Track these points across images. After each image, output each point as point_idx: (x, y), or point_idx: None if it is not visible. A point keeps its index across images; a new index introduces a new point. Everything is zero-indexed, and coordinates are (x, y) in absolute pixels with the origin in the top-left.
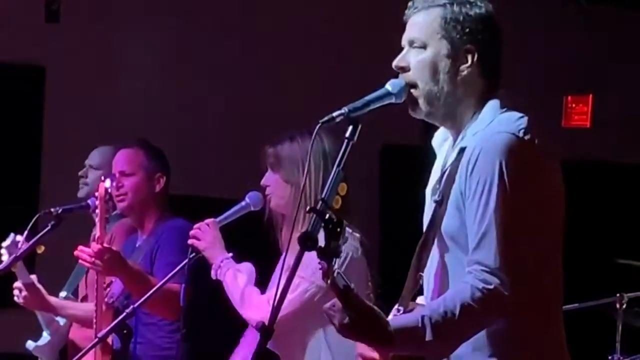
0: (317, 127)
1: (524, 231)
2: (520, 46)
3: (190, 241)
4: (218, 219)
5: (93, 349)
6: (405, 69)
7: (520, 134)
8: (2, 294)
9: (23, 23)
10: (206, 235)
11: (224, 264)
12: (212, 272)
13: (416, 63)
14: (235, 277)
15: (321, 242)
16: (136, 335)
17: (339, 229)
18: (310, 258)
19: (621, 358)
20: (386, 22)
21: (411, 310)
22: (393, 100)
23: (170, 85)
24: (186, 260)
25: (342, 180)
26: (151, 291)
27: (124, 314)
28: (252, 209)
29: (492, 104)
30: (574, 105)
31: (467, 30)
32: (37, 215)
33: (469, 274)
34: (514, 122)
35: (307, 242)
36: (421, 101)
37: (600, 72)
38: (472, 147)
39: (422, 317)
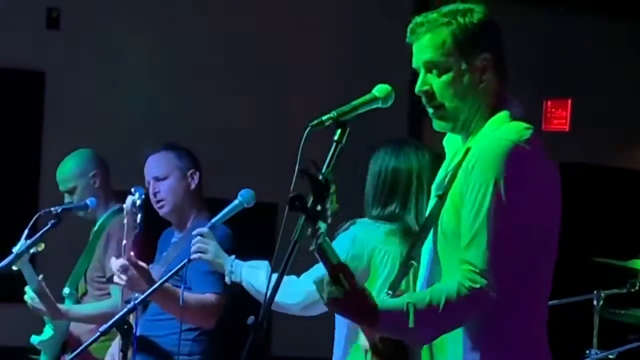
0: (307, 130)
1: (514, 236)
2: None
3: (195, 256)
4: (214, 219)
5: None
6: (428, 93)
7: (522, 143)
8: (7, 290)
9: (24, 29)
10: (208, 246)
11: (235, 267)
12: (227, 279)
13: (440, 85)
14: (254, 273)
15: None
16: (145, 331)
17: (325, 193)
18: (336, 241)
19: (598, 352)
20: None
21: (399, 295)
22: (380, 105)
23: (168, 90)
24: (181, 265)
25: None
26: (150, 289)
27: (125, 309)
28: (246, 206)
29: (503, 112)
30: (553, 109)
31: (477, 39)
32: (36, 215)
33: (459, 272)
34: (518, 131)
35: (294, 202)
36: (449, 118)
37: (578, 78)
38: (475, 150)
39: (407, 304)
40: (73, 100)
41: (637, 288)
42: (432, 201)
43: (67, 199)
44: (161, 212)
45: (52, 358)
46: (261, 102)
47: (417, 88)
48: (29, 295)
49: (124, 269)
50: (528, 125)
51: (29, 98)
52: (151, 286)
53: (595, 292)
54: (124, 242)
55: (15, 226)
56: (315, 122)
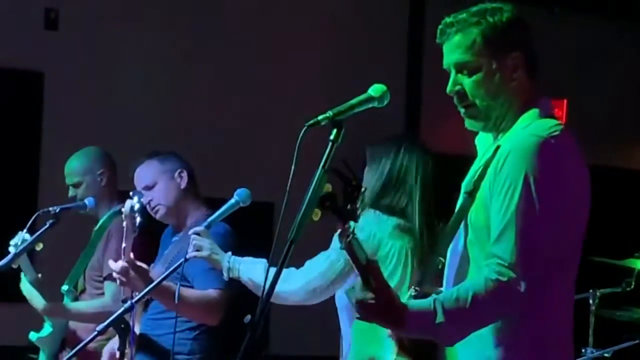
0: (303, 129)
1: (543, 231)
2: None
3: (192, 254)
4: (210, 218)
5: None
6: (460, 92)
7: (552, 139)
8: (6, 289)
9: (23, 30)
10: (204, 244)
11: (232, 263)
12: (224, 275)
13: (471, 85)
14: (253, 268)
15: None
16: (146, 329)
17: (356, 193)
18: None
19: (594, 351)
20: None
21: (427, 294)
22: (376, 105)
23: (166, 90)
24: (178, 263)
25: (326, 180)
26: (147, 288)
27: (122, 308)
28: (242, 205)
29: (533, 110)
30: None
31: (508, 38)
32: (35, 214)
33: (486, 267)
34: (548, 128)
35: (325, 201)
36: (481, 117)
37: (574, 78)
38: (505, 147)
39: (434, 300)
40: (72, 100)
41: (632, 287)
42: (461, 198)
43: (71, 192)
44: (157, 216)
45: (50, 355)
46: (259, 101)
47: (448, 88)
48: (25, 286)
49: (124, 271)
50: (558, 122)
51: (28, 98)
52: (124, 300)
53: (591, 291)
54: (124, 245)
55: (15, 226)
56: (312, 121)
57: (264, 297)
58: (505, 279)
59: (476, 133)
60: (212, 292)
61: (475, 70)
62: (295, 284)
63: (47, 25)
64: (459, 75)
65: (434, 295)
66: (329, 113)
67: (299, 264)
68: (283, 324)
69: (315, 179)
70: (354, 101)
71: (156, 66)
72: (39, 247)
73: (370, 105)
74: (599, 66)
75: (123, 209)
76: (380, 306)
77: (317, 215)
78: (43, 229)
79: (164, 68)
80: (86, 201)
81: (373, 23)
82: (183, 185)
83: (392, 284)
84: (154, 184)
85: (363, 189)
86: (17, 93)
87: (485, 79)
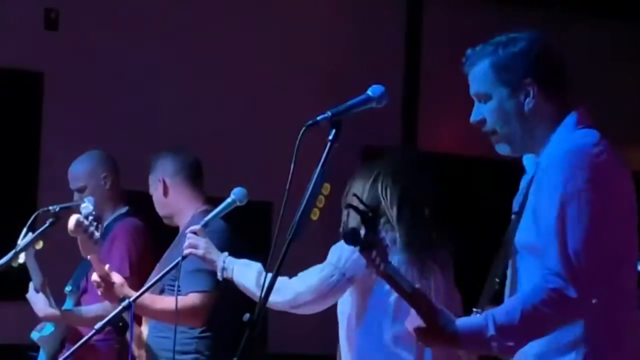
0: (303, 129)
1: (586, 237)
2: None
3: (188, 251)
4: (207, 217)
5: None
6: (482, 122)
7: (589, 149)
8: (5, 288)
9: (23, 30)
10: (200, 242)
11: (227, 263)
12: (219, 274)
13: (488, 114)
14: (245, 271)
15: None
16: (153, 331)
17: (376, 220)
18: (337, 247)
19: None
20: None
21: None
22: (374, 105)
23: (166, 90)
24: (174, 263)
25: (325, 180)
26: (144, 289)
27: (120, 307)
28: (239, 204)
29: (566, 123)
30: None
31: (519, 67)
32: (35, 213)
33: (536, 278)
34: (584, 137)
35: (347, 238)
36: (503, 143)
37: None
38: (543, 163)
39: (486, 315)
40: (71, 101)
41: None
42: (512, 219)
43: (75, 197)
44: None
45: (51, 354)
46: (257, 101)
47: (471, 118)
48: (30, 291)
49: (97, 283)
50: (593, 131)
51: (28, 98)
52: (122, 299)
53: None
54: (88, 256)
55: (14, 226)
56: (310, 121)
57: (261, 297)
58: (553, 286)
59: (474, 133)
60: (191, 297)
61: (489, 99)
62: (284, 296)
63: (47, 26)
64: (480, 104)
65: (487, 310)
66: (328, 113)
67: (299, 263)
68: (282, 322)
69: (314, 178)
70: (352, 102)
71: (156, 66)
72: (39, 245)
73: (368, 106)
74: (600, 67)
75: (77, 219)
76: (434, 331)
77: (315, 214)
78: (43, 227)
79: (163, 68)
80: (86, 200)
81: (372, 23)
82: (161, 192)
83: (393, 296)
84: (152, 194)
85: (381, 211)
86: (17, 93)
87: (499, 107)
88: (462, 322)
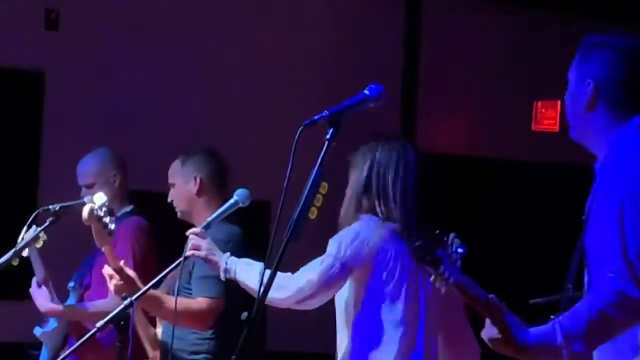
0: (300, 129)
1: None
2: (498, 56)
3: (190, 252)
4: (209, 218)
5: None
6: None
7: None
8: (8, 286)
9: (23, 30)
10: (202, 244)
11: (230, 264)
12: (222, 275)
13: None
14: (248, 271)
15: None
16: (166, 331)
17: (439, 239)
18: (336, 238)
19: None
20: None
21: None
22: (372, 104)
23: (166, 90)
24: (176, 263)
25: (322, 179)
26: (144, 288)
27: (122, 305)
28: (241, 205)
29: (625, 129)
30: (543, 110)
31: (589, 66)
32: (35, 212)
33: (601, 281)
34: (635, 143)
35: (421, 256)
36: (574, 134)
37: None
38: (602, 170)
39: (554, 322)
40: (72, 101)
41: None
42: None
43: (83, 193)
44: (179, 216)
45: (53, 351)
46: (257, 100)
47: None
48: (32, 286)
49: (109, 276)
50: None
51: (28, 98)
52: (135, 292)
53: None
54: (102, 249)
55: (14, 225)
56: (308, 121)
57: (259, 296)
58: (616, 288)
59: (474, 132)
60: (200, 301)
61: (567, 86)
62: (287, 292)
63: (47, 26)
64: None
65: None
66: (326, 112)
67: (297, 263)
68: (281, 320)
69: (312, 177)
70: (350, 101)
71: (156, 66)
72: (39, 244)
73: (366, 105)
74: None
75: (83, 215)
76: (505, 339)
77: (313, 213)
78: (43, 226)
79: (164, 68)
80: (86, 199)
81: (371, 22)
82: (195, 190)
83: (390, 286)
84: (173, 184)
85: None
86: (17, 93)
87: (569, 97)
88: (532, 331)
